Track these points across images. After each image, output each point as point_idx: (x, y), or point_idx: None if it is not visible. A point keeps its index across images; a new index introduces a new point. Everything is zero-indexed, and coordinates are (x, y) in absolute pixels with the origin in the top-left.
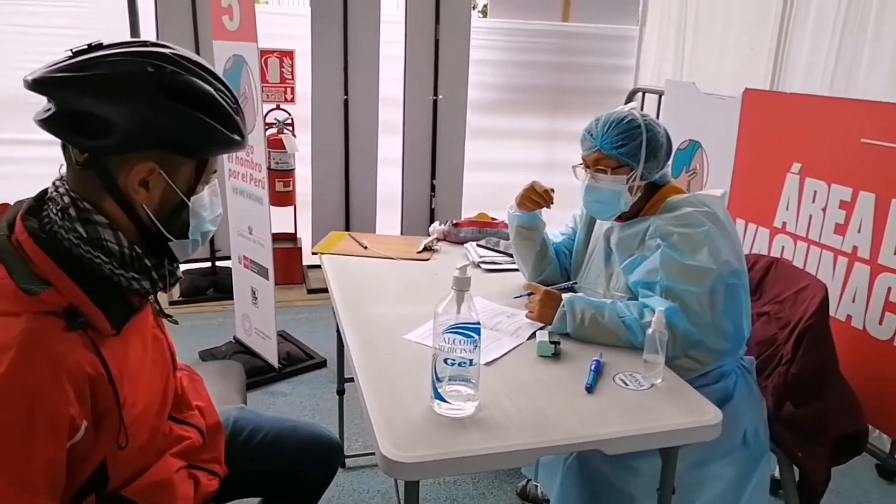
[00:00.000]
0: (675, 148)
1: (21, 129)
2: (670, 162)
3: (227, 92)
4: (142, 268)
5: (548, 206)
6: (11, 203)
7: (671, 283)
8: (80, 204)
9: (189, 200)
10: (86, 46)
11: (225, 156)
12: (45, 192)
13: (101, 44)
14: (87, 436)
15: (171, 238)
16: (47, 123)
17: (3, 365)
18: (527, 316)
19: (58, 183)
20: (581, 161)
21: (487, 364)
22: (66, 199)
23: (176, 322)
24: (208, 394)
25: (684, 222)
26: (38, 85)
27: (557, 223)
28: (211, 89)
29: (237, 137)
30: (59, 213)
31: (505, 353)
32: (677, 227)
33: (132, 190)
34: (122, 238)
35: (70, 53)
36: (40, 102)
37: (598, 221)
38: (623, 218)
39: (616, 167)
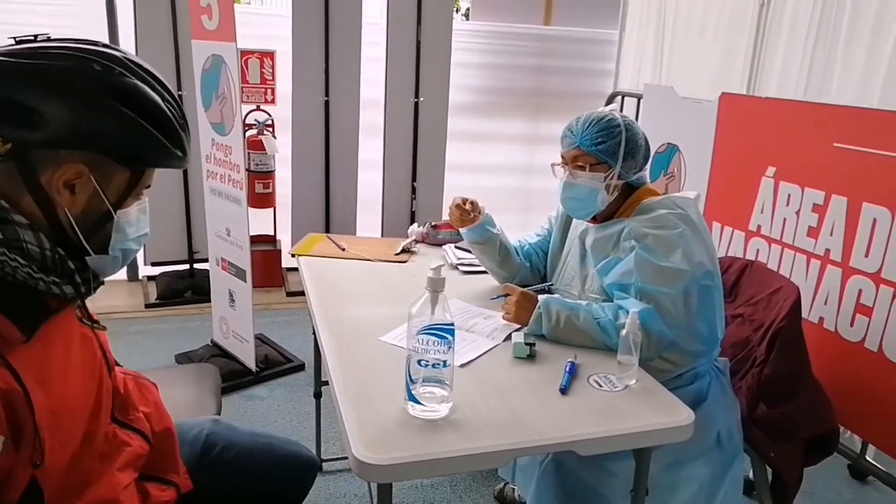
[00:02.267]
0: (653, 152)
1: None
2: (648, 166)
3: (174, 105)
4: (64, 271)
5: (475, 218)
6: None
7: (645, 285)
8: None
9: (115, 213)
10: (31, 37)
11: (203, 156)
12: None
13: (48, 36)
14: (7, 452)
15: (90, 252)
16: None
17: None
18: (503, 317)
19: None
20: (560, 159)
21: (462, 366)
22: None
23: (103, 328)
24: (159, 399)
25: (658, 224)
26: None
27: (536, 227)
28: (158, 98)
29: (179, 153)
30: None
31: (480, 355)
32: (651, 229)
33: (56, 190)
34: (44, 240)
35: (12, 41)
36: None
37: (573, 223)
38: (598, 219)
39: (594, 164)
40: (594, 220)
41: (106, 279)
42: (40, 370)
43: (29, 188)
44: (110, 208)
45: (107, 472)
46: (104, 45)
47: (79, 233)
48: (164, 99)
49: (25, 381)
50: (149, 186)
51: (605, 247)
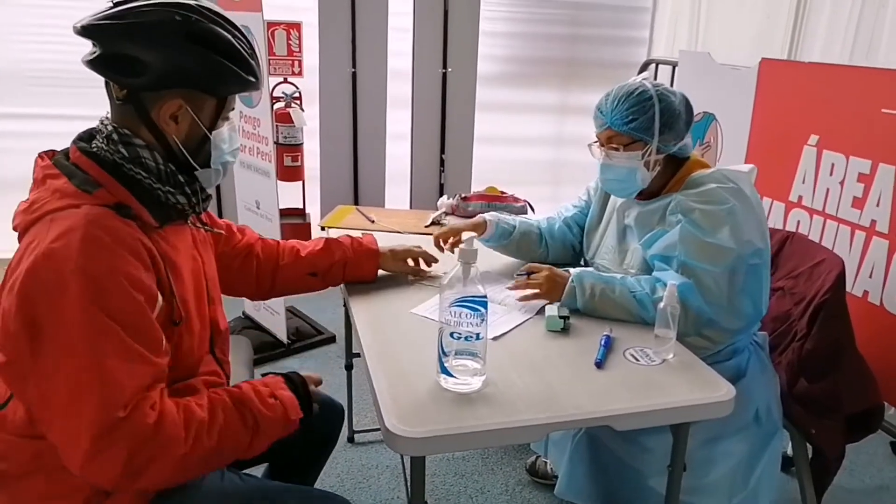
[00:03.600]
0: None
1: (25, 103)
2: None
3: (243, 39)
4: (176, 183)
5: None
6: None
7: (688, 260)
8: (122, 131)
9: (211, 134)
10: None
11: None
12: (92, 129)
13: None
14: (164, 306)
15: (197, 167)
16: (92, 64)
17: (75, 241)
18: (521, 298)
19: (103, 118)
20: (596, 139)
21: (496, 339)
22: (110, 127)
23: (220, 232)
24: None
25: (707, 199)
26: (83, 30)
27: (575, 198)
28: (230, 36)
29: (252, 79)
30: (105, 140)
31: (514, 328)
32: (699, 204)
33: (164, 122)
34: (158, 157)
35: (111, 4)
36: (43, 76)
37: (612, 197)
38: (645, 196)
39: (629, 143)
40: (640, 196)
41: (211, 197)
42: (170, 261)
43: (144, 123)
44: (205, 131)
45: (198, 379)
46: None
47: (186, 154)
48: (234, 36)
49: (162, 257)
50: (233, 109)
51: (651, 220)
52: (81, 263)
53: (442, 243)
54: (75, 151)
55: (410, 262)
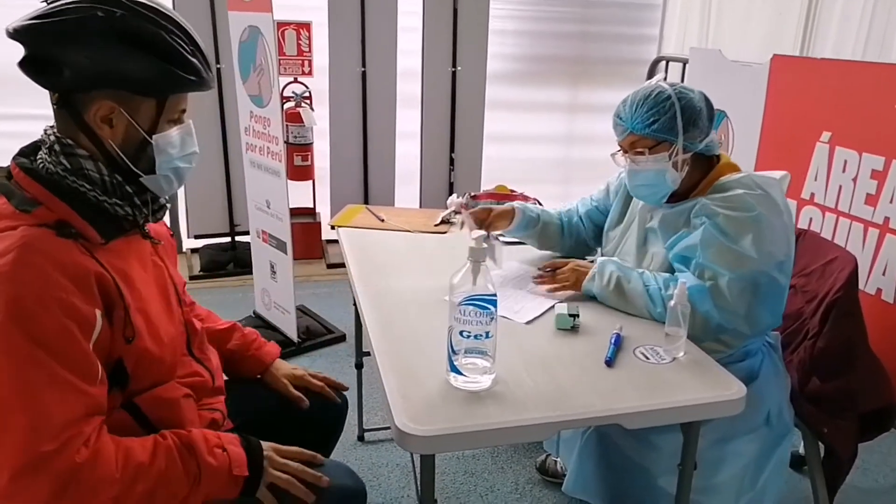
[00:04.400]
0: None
1: (13, 104)
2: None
3: (181, 35)
4: (124, 195)
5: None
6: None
7: (706, 262)
8: (63, 140)
9: (151, 138)
10: None
11: (242, 128)
12: (37, 141)
13: None
14: (104, 330)
15: (140, 173)
16: (21, 66)
17: (6, 265)
18: (551, 289)
19: (47, 127)
20: (618, 148)
21: (528, 323)
22: (52, 137)
23: (158, 242)
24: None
25: (732, 205)
26: (14, 33)
27: (576, 198)
28: (162, 32)
29: (192, 77)
30: (47, 151)
31: (544, 312)
32: (725, 209)
33: (97, 126)
34: (103, 168)
35: (43, 2)
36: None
37: (633, 198)
38: (672, 199)
39: (654, 146)
40: (671, 198)
41: (168, 206)
42: (122, 274)
43: (80, 128)
44: (144, 135)
45: (174, 383)
46: None
47: (125, 159)
48: (167, 31)
49: (111, 271)
50: (184, 111)
51: (676, 223)
52: (10, 288)
53: (475, 221)
54: (15, 168)
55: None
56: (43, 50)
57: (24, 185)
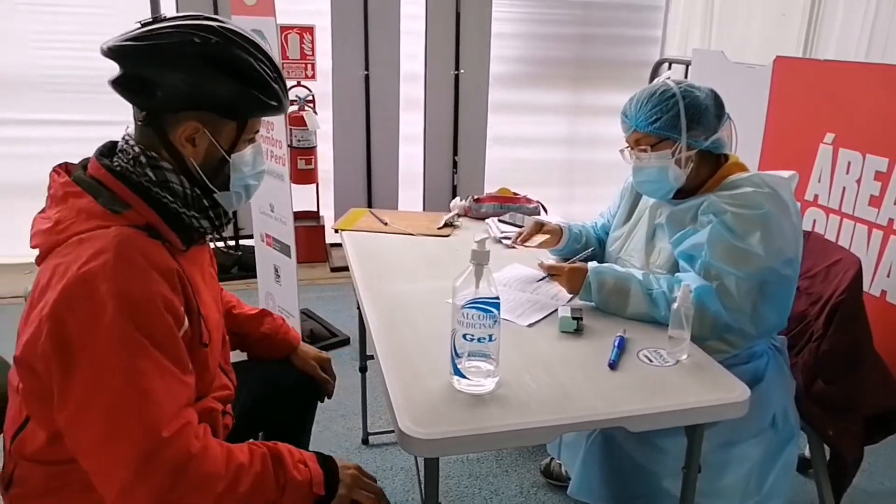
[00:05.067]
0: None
1: (36, 109)
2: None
3: (266, 62)
4: (201, 207)
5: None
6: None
7: (712, 261)
8: (149, 153)
9: (230, 157)
10: (151, 19)
11: None
12: (113, 143)
13: (164, 16)
14: (186, 328)
15: (215, 189)
16: (113, 84)
17: (109, 262)
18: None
19: (126, 137)
20: (626, 143)
21: (531, 325)
22: (136, 149)
23: (237, 251)
24: None
25: (741, 202)
26: (108, 52)
27: (588, 199)
28: (251, 59)
29: (274, 103)
30: (132, 161)
31: (546, 316)
32: (733, 207)
33: (181, 145)
34: (185, 181)
35: (138, 24)
36: (58, 81)
37: (642, 196)
38: (680, 195)
39: (657, 143)
40: (675, 195)
41: (232, 220)
42: (193, 281)
43: (164, 145)
44: (224, 154)
45: (211, 398)
46: (205, 18)
47: (203, 176)
48: (256, 59)
49: (187, 275)
50: (258, 131)
51: (683, 219)
52: (118, 284)
53: (525, 242)
54: (98, 168)
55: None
56: (139, 70)
57: (110, 186)
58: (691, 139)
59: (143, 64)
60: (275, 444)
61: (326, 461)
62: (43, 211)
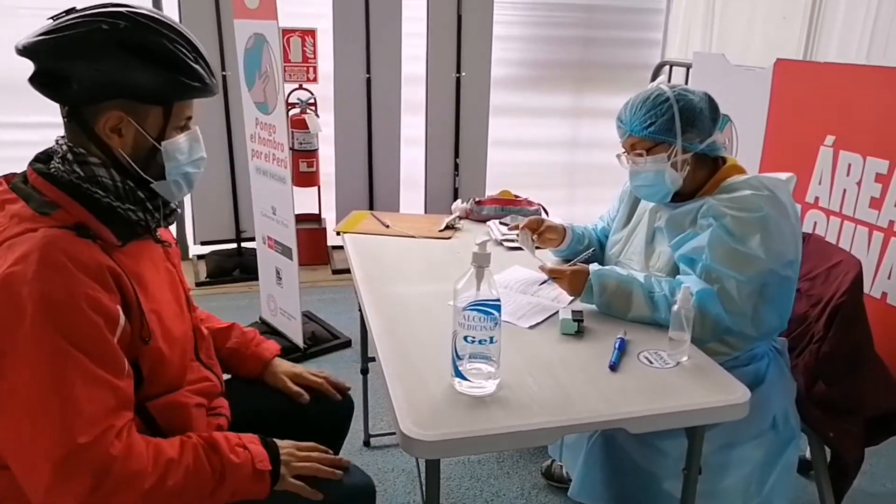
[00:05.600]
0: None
1: (21, 112)
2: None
3: (182, 43)
4: (136, 200)
5: (557, 241)
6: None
7: (713, 264)
8: (76, 150)
9: (160, 145)
10: (63, 12)
11: (248, 135)
12: (49, 149)
13: (74, 8)
14: (125, 327)
15: (151, 179)
16: (31, 82)
17: (31, 265)
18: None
19: (57, 138)
20: (623, 150)
21: (532, 327)
22: (64, 147)
23: (169, 245)
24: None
25: (740, 205)
26: (22, 50)
27: (590, 201)
28: (165, 41)
29: (196, 84)
30: (60, 160)
31: (547, 318)
32: (731, 210)
33: (106, 136)
34: (115, 174)
35: (50, 19)
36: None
37: (641, 200)
38: (678, 198)
39: (652, 147)
40: (675, 198)
41: (178, 211)
42: (136, 276)
43: (90, 139)
44: (153, 142)
45: (184, 390)
46: (114, 5)
47: (135, 166)
48: (170, 40)
49: (126, 271)
50: (190, 117)
51: (682, 223)
52: (38, 287)
53: (528, 239)
54: (32, 173)
55: (292, 385)
56: (51, 65)
57: (42, 189)
58: (686, 142)
59: (54, 58)
60: (211, 433)
61: (268, 441)
62: None
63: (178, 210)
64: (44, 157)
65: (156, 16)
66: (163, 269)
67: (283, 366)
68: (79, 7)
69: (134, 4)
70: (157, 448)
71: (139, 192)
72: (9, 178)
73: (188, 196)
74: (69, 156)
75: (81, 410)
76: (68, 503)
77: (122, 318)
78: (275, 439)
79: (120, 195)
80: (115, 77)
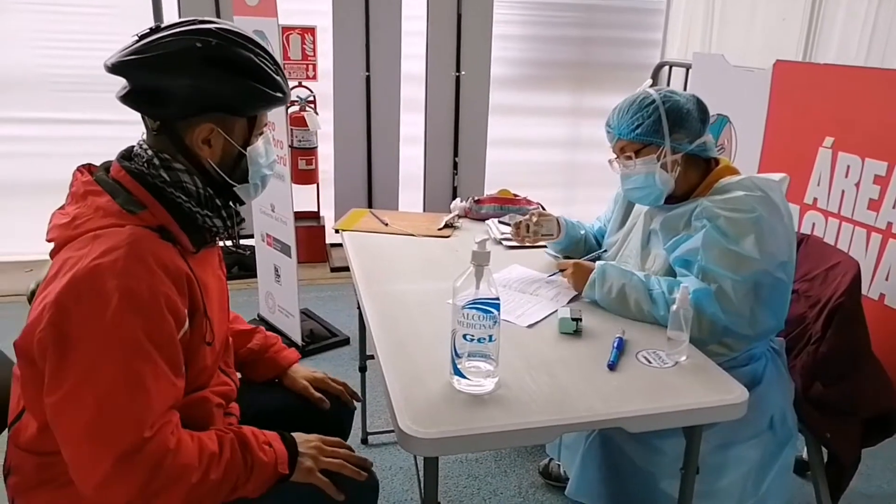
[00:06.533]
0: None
1: (35, 107)
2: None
3: (266, 56)
4: (213, 207)
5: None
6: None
7: (709, 265)
8: (161, 155)
9: (245, 151)
10: (148, 30)
11: None
12: (131, 148)
13: (159, 26)
14: (187, 330)
15: (235, 184)
16: (124, 99)
17: (119, 259)
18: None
19: (141, 142)
20: (614, 155)
21: (529, 326)
22: (150, 152)
23: (244, 251)
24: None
25: (733, 206)
26: (113, 68)
27: (589, 200)
28: (252, 55)
29: (279, 94)
30: (146, 164)
31: (546, 317)
32: (725, 211)
33: (197, 147)
34: (198, 181)
35: (136, 38)
36: (57, 80)
37: (636, 203)
38: (672, 200)
39: (641, 149)
40: (669, 200)
41: (244, 220)
42: (202, 282)
43: (180, 150)
44: (240, 150)
45: (208, 391)
46: (200, 22)
47: (222, 174)
48: (255, 55)
49: (196, 277)
50: (266, 124)
51: (676, 225)
52: (125, 281)
53: (523, 229)
54: (119, 169)
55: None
56: (147, 83)
57: (128, 187)
58: (675, 143)
59: (150, 76)
60: (240, 428)
61: (287, 440)
62: (62, 207)
63: (244, 220)
64: (128, 155)
65: (239, 31)
66: (216, 276)
67: (303, 371)
68: (163, 25)
69: (215, 19)
70: (201, 443)
71: (217, 199)
72: (92, 168)
73: None
74: (156, 161)
75: (151, 405)
76: (121, 496)
77: (187, 322)
78: (300, 434)
79: (200, 202)
80: (210, 92)
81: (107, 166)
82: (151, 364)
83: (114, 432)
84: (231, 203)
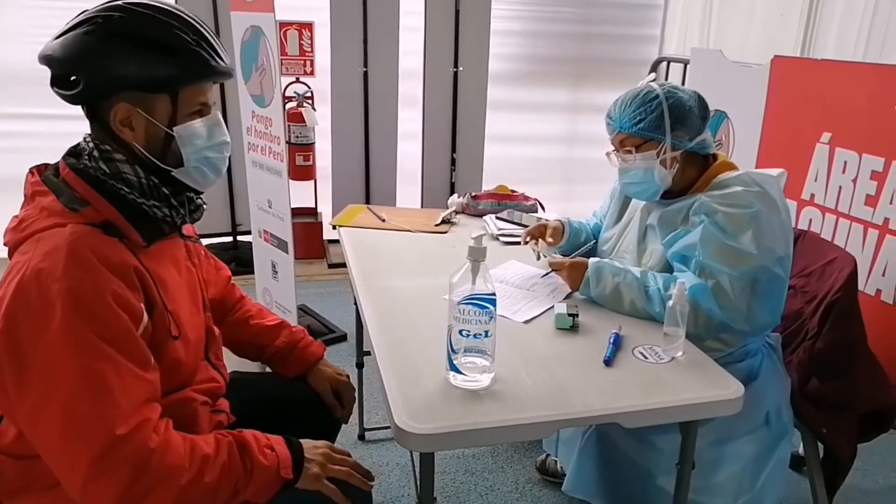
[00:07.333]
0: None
1: (23, 104)
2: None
3: (182, 27)
4: (160, 196)
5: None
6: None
7: (706, 261)
8: (101, 147)
9: (172, 131)
10: (77, 15)
11: (244, 128)
12: (79, 144)
13: (86, 10)
14: (147, 325)
15: (170, 168)
16: (52, 88)
17: (59, 262)
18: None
19: (86, 136)
20: (613, 147)
21: (526, 322)
22: (91, 144)
23: (198, 240)
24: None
25: (731, 201)
26: (41, 60)
27: (587, 196)
28: (161, 27)
29: (198, 68)
30: (87, 157)
31: (543, 312)
32: (723, 206)
33: (118, 130)
34: (139, 170)
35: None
36: (46, 77)
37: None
38: (669, 196)
39: (641, 144)
40: (666, 196)
41: (204, 206)
42: (158, 276)
43: (109, 135)
44: (165, 130)
45: (191, 388)
46: None
47: (152, 158)
48: (168, 26)
49: (150, 270)
50: (205, 103)
51: (674, 220)
52: (67, 283)
53: (531, 240)
54: (64, 168)
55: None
56: (60, 68)
57: (73, 185)
58: (676, 140)
59: (60, 58)
60: (241, 431)
61: (293, 445)
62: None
63: (205, 206)
64: (75, 152)
65: (155, 3)
66: (184, 269)
67: (328, 371)
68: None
69: None
70: (193, 444)
71: (163, 188)
72: (41, 168)
73: None
74: (95, 153)
75: (117, 402)
76: (106, 496)
77: (146, 317)
78: (308, 440)
79: (144, 192)
80: (116, 69)
81: (57, 165)
82: (110, 361)
83: (84, 434)
84: (184, 191)
